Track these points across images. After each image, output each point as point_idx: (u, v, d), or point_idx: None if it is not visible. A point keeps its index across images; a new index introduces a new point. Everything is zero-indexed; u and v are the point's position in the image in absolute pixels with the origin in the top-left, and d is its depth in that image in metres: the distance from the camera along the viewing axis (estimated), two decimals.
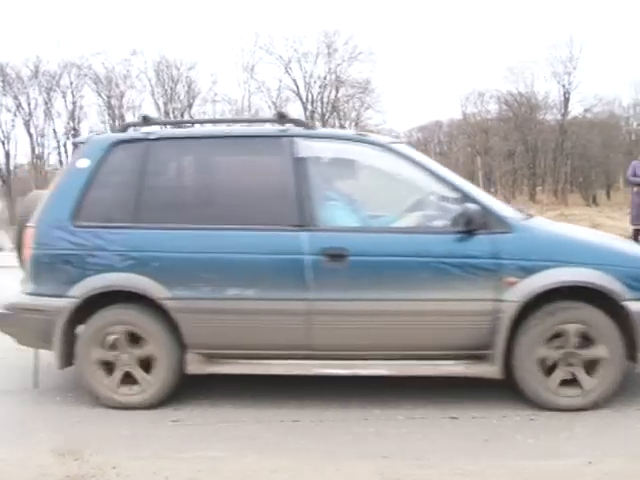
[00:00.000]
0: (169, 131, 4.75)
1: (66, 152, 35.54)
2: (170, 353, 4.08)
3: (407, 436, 3.66)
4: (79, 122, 35.82)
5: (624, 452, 3.40)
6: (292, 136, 4.24)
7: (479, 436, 3.63)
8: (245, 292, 4.03)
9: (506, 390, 4.15)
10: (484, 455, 3.41)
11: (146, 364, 4.11)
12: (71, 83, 35.05)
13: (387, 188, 4.68)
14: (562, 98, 31.84)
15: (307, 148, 4.20)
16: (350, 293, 3.96)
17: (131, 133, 4.55)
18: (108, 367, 4.13)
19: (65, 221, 4.15)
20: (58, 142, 35.66)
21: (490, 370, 3.95)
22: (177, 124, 5.15)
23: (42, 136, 35.34)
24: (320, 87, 34.41)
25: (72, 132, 35.07)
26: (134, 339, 4.10)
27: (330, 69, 33.40)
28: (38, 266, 4.19)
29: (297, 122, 4.48)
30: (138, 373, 4.10)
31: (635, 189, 11.50)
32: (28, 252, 4.22)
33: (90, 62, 34.12)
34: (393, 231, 4.25)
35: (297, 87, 34.66)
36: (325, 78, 33.92)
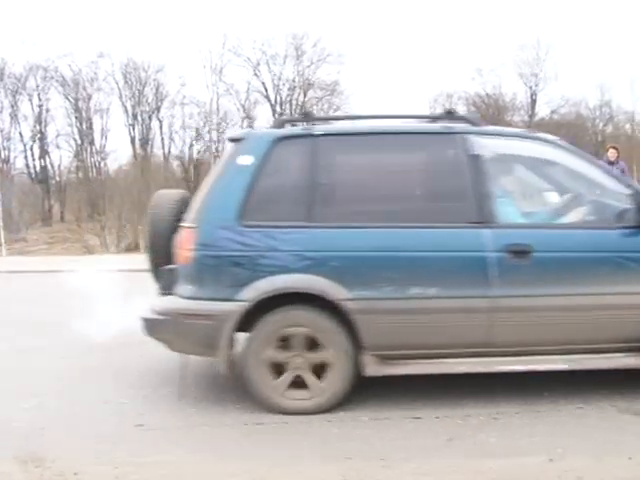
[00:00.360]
0: (334, 127, 4.62)
1: (32, 155, 35.13)
2: (347, 356, 3.94)
3: (371, 437, 3.65)
4: (46, 125, 35.43)
5: (585, 449, 3.43)
6: (464, 133, 4.20)
7: (442, 436, 3.63)
8: (427, 291, 3.95)
9: (471, 389, 4.19)
10: (446, 455, 3.42)
11: (319, 368, 3.97)
12: (37, 86, 34.67)
13: (555, 183, 4.71)
14: (529, 99, 32.28)
15: (479, 145, 4.15)
16: (533, 289, 3.95)
17: (293, 129, 4.43)
18: (278, 371, 3.98)
19: (232, 221, 3.98)
20: (25, 145, 35.21)
21: None
22: (336, 120, 4.99)
23: (8, 140, 34.86)
24: (289, 89, 34.41)
25: (38, 136, 34.67)
26: (307, 342, 3.97)
27: (299, 71, 33.40)
28: (202, 268, 4.01)
29: (466, 119, 4.48)
30: (310, 378, 3.97)
31: None
32: (187, 254, 4.02)
33: (56, 64, 33.79)
34: (572, 227, 4.24)
35: (266, 89, 34.59)
36: (294, 80, 33.91)
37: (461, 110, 32.90)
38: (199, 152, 33.50)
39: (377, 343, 3.94)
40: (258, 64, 33.92)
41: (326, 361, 3.95)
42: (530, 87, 32.28)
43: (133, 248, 17.16)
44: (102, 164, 35.99)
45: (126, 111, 34.74)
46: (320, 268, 3.89)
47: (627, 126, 32.42)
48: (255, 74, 34.09)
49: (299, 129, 4.42)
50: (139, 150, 33.80)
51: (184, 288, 4.08)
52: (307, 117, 4.52)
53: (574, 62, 44.07)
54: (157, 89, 34.96)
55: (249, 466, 3.32)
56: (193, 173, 31.13)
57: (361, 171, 4.42)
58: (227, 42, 33.33)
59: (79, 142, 35.23)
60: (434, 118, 4.67)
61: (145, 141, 34.86)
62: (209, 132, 32.10)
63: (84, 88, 34.68)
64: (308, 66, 33.62)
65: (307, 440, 3.65)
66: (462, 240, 3.99)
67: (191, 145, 33.87)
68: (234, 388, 4.27)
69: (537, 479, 3.15)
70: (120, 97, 34.80)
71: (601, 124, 34.34)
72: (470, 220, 4.00)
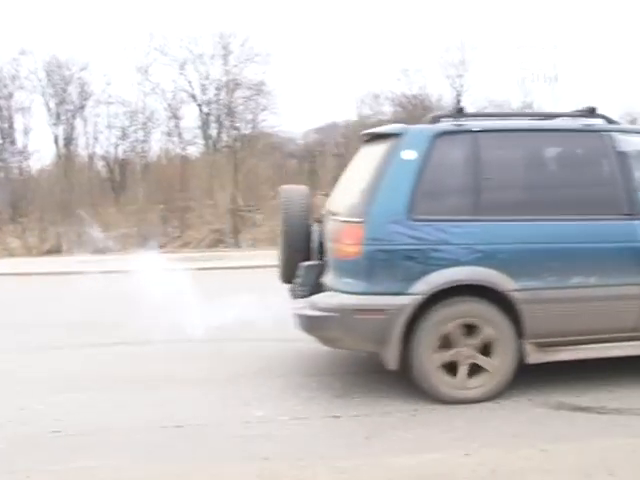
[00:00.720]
0: (490, 124, 4.67)
1: None
2: (512, 345, 4.07)
3: (290, 437, 3.67)
4: None
5: (499, 443, 3.52)
6: (610, 131, 4.43)
7: (360, 433, 3.67)
8: (587, 280, 4.15)
9: (390, 387, 4.25)
10: (363, 452, 3.45)
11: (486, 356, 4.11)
12: None
13: None
14: (455, 100, 32.91)
15: (624, 142, 4.36)
16: None
17: (450, 125, 4.39)
18: (450, 365, 4.06)
19: (402, 215, 4.01)
20: None
21: None
22: (485, 116, 5.07)
23: None
24: (216, 89, 34.07)
25: None
26: (475, 332, 4.07)
27: (226, 71, 33.12)
28: (373, 263, 4.01)
29: (606, 117, 4.65)
30: (483, 361, 4.09)
31: None
32: (354, 249, 4.02)
33: None
34: None
35: (192, 89, 34.18)
36: (221, 80, 33.61)
37: (388, 110, 33.30)
38: (125, 152, 32.82)
39: (538, 331, 4.10)
40: (184, 63, 33.49)
41: (493, 349, 4.09)
42: (455, 88, 32.91)
43: (55, 251, 16.67)
44: (24, 164, 34.87)
45: (49, 110, 33.74)
46: (489, 260, 4.03)
47: None
48: (181, 73, 33.67)
49: (457, 125, 4.40)
50: (63, 150, 32.88)
51: (349, 283, 4.09)
52: (459, 113, 4.59)
53: (498, 63, 45.28)
54: (82, 88, 34.09)
55: (168, 468, 3.30)
56: (118, 173, 30.44)
57: (520, 166, 4.54)
58: (153, 40, 32.77)
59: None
60: (576, 116, 4.81)
61: (69, 141, 33.88)
62: (135, 132, 31.46)
63: (5, 86, 33.48)
64: (235, 65, 33.40)
65: (228, 441, 3.63)
66: (617, 231, 4.26)
67: (117, 145, 33.14)
68: (151, 390, 4.23)
69: (453, 474, 3.20)
70: (43, 95, 33.80)
71: None
72: (622, 212, 4.26)
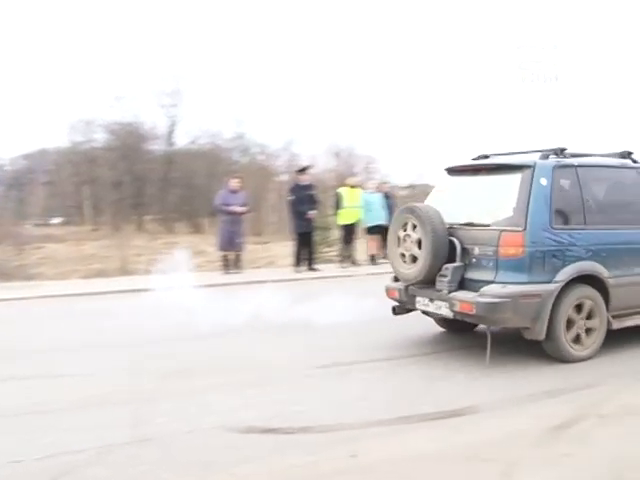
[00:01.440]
0: (584, 160, 6.33)
1: None
2: (604, 318, 6.01)
3: None
4: None
5: (192, 473, 3.60)
6: None
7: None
8: None
9: (79, 425, 4.12)
10: None
11: (588, 330, 5.94)
12: None
13: None
14: (168, 129, 32.93)
15: None
16: None
17: (561, 160, 6.10)
18: (569, 327, 5.80)
19: (548, 225, 5.74)
20: None
21: None
22: (578, 155, 6.46)
23: None
24: None
25: None
26: (582, 308, 5.89)
27: None
28: (532, 260, 5.66)
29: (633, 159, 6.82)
30: (590, 323, 5.94)
31: (223, 217, 12.38)
32: (518, 250, 5.64)
33: None
34: None
35: None
36: None
37: (101, 138, 32.13)
38: None
39: (616, 306, 6.10)
40: None
41: (593, 325, 5.95)
42: (169, 117, 32.89)
43: None
44: None
45: None
46: (596, 257, 5.95)
47: (261, 157, 34.69)
48: None
49: (564, 160, 6.13)
50: None
51: (514, 276, 5.66)
52: (561, 151, 6.22)
53: (211, 96, 46.11)
54: None
55: None
56: None
57: (606, 192, 6.45)
58: None
59: None
60: (623, 157, 6.83)
61: None
62: None
63: None
64: None
65: None
66: None
67: None
68: None
69: None
70: None
71: (238, 155, 36.38)
72: None
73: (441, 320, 6.95)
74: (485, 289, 5.65)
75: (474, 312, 5.63)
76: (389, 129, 50.29)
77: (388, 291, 6.78)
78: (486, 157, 6.81)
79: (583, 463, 3.71)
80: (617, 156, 6.79)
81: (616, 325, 6.06)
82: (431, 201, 6.65)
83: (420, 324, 7.10)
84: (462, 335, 6.93)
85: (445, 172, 6.93)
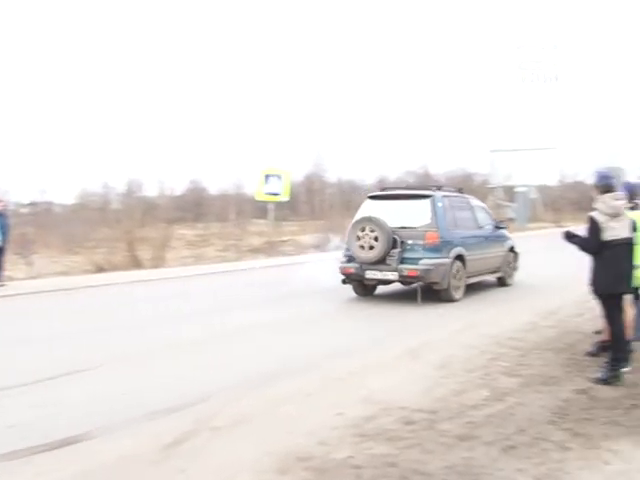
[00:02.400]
0: (448, 192, 12.08)
1: None
2: (465, 277, 11.20)
3: None
4: None
5: None
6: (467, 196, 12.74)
7: None
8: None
9: None
10: None
11: None
12: None
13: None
14: None
15: (473, 200, 13.02)
16: None
17: (441, 192, 11.66)
18: (453, 283, 10.88)
19: (445, 228, 10.74)
20: None
21: None
22: (445, 190, 12.38)
23: None
24: None
25: None
26: (459, 272, 11.05)
27: None
28: (441, 246, 10.57)
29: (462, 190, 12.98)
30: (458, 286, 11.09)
31: None
32: (435, 241, 10.52)
33: None
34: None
35: None
36: None
37: None
38: None
39: (469, 272, 11.27)
40: None
41: (460, 283, 11.09)
42: None
43: None
44: None
45: None
46: (462, 245, 11.15)
47: None
48: None
49: (443, 192, 11.62)
50: None
51: (433, 255, 10.52)
52: (439, 187, 11.89)
53: None
54: None
55: None
56: None
57: (457, 210, 11.55)
58: None
59: None
60: (458, 190, 12.78)
61: None
62: None
63: None
64: None
65: None
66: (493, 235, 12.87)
67: None
68: None
69: None
70: None
71: None
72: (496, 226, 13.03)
73: (360, 288, 11.52)
74: (421, 262, 10.49)
75: (417, 274, 10.47)
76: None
77: (344, 269, 11.17)
78: (384, 189, 12.56)
79: (196, 477, 3.95)
80: (456, 190, 12.48)
81: (469, 282, 11.37)
82: (361, 214, 11.26)
83: None
84: None
85: (367, 198, 11.84)
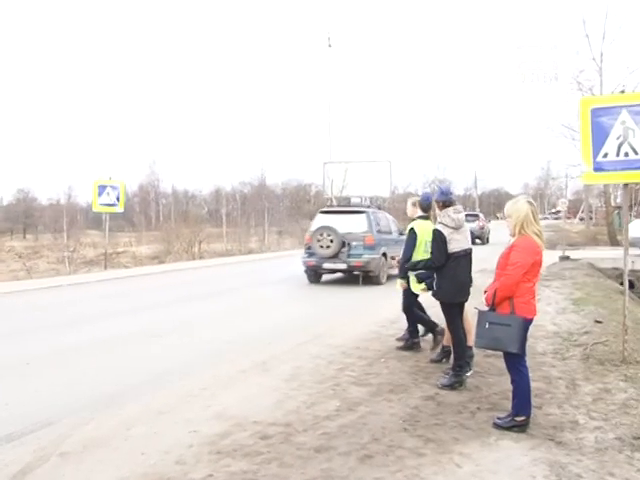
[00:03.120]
0: (373, 208, 17.78)
1: None
2: (387, 268, 15.88)
3: None
4: None
5: None
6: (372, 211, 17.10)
7: None
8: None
9: None
10: None
11: None
12: None
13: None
14: None
15: (380, 213, 17.89)
16: None
17: (372, 208, 17.38)
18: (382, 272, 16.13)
19: (376, 233, 15.87)
20: None
21: None
22: (372, 207, 17.95)
23: None
24: None
25: None
26: (385, 264, 15.96)
27: None
28: (375, 246, 15.43)
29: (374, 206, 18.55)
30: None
31: None
32: (372, 242, 15.42)
33: None
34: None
35: None
36: None
37: None
38: None
39: (389, 264, 15.37)
40: None
41: (388, 271, 16.29)
42: None
43: None
44: None
45: None
46: (385, 245, 16.19)
47: None
48: None
49: (373, 208, 17.20)
50: None
51: (371, 252, 15.47)
52: (372, 203, 19.06)
53: None
54: None
55: None
56: None
57: (380, 220, 16.82)
58: None
59: None
60: (377, 206, 19.24)
61: None
62: None
63: None
64: None
65: None
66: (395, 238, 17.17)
67: None
68: None
69: None
70: None
71: None
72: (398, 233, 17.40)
73: (314, 276, 16.25)
74: (363, 257, 15.17)
75: (361, 265, 15.16)
76: None
77: (306, 262, 15.90)
78: (332, 205, 17.57)
79: None
80: (376, 206, 17.87)
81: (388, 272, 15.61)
82: (316, 224, 15.94)
83: None
84: None
85: (319, 212, 16.76)
